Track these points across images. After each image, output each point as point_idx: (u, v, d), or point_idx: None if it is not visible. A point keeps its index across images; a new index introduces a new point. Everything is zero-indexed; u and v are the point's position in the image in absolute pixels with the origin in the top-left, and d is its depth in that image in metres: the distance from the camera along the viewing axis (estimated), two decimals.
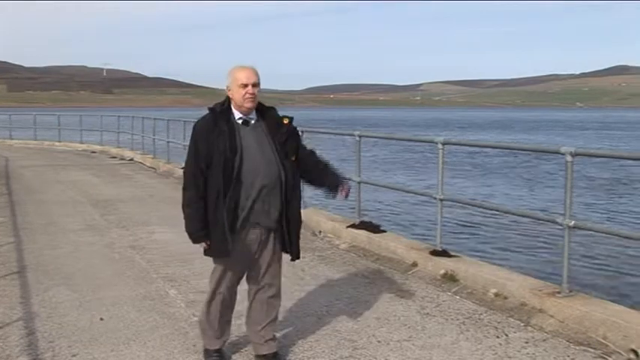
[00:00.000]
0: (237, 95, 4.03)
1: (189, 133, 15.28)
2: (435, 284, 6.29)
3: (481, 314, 5.44)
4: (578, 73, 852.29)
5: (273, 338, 4.39)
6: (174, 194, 13.07)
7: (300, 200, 4.26)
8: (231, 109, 4.09)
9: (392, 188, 11.12)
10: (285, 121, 4.17)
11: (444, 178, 7.14)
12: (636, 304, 7.60)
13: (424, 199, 13.75)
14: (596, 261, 10.79)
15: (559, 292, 5.36)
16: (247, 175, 3.96)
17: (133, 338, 4.86)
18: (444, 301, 5.81)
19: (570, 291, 5.36)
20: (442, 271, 6.45)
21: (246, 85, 4.00)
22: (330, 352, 4.58)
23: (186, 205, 4.09)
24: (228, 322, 4.38)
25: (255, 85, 4.04)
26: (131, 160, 20.80)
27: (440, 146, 6.95)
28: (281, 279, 4.38)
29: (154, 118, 20.41)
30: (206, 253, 4.14)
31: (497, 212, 12.39)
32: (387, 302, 5.77)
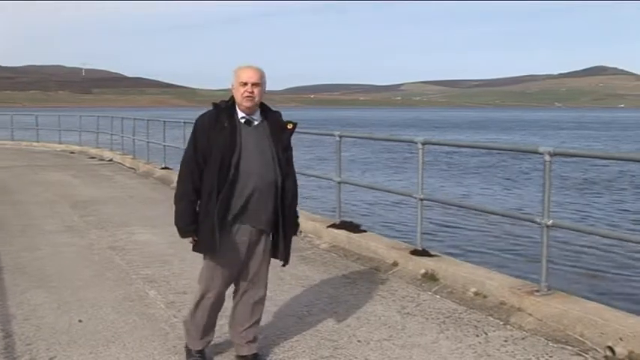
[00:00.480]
0: (238, 93, 4.04)
1: (169, 133, 15.21)
2: (416, 284, 6.31)
3: (461, 313, 5.47)
4: (556, 73, 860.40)
5: (255, 340, 4.38)
6: (153, 195, 13.03)
7: (295, 206, 4.25)
8: (235, 107, 4.10)
9: (372, 188, 11.16)
10: (289, 126, 4.19)
11: (424, 177, 7.17)
12: (613, 302, 7.70)
13: (404, 199, 13.81)
14: (575, 259, 10.89)
15: (537, 291, 5.41)
16: (243, 175, 3.96)
17: (113, 340, 4.83)
18: (424, 300, 5.84)
19: (549, 289, 5.41)
20: (422, 271, 6.48)
21: (245, 84, 4.00)
22: (311, 352, 4.58)
23: (179, 198, 4.07)
24: (214, 324, 4.36)
25: (256, 84, 4.02)
26: (110, 160, 20.65)
27: (420, 146, 6.99)
28: (267, 282, 4.37)
29: (134, 119, 20.28)
30: (194, 248, 4.14)
31: (476, 212, 12.48)
32: (367, 302, 5.78)
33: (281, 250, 4.21)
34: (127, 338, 4.86)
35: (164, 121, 16.91)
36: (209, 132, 3.98)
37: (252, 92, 4.02)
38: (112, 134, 23.04)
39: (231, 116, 4.05)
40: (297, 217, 4.35)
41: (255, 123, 4.11)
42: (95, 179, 15.87)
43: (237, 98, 4.06)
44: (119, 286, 6.31)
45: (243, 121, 4.08)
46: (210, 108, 4.14)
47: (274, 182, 4.06)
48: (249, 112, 4.09)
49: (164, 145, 16.76)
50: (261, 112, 4.16)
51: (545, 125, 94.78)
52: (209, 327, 4.32)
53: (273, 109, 4.27)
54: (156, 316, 5.39)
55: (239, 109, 4.09)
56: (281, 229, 4.16)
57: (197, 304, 4.23)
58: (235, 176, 3.94)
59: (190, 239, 4.09)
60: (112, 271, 6.91)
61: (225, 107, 4.08)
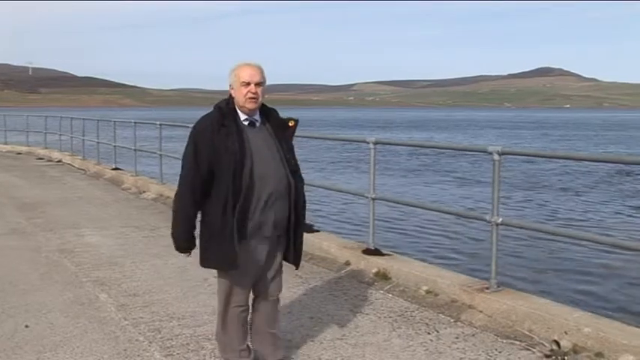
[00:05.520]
0: (239, 94, 3.77)
1: (119, 133, 14.99)
2: (368, 283, 6.36)
3: (413, 311, 5.53)
4: (505, 74, 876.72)
5: (280, 347, 4.20)
6: (104, 196, 12.81)
7: (305, 207, 4.03)
8: (235, 109, 3.83)
9: (324, 188, 11.17)
10: (291, 124, 3.96)
11: (376, 177, 7.22)
12: (560, 297, 7.89)
13: (356, 199, 13.87)
14: (524, 256, 11.11)
15: (488, 288, 5.50)
16: (258, 181, 3.70)
17: (61, 344, 4.73)
18: (376, 299, 5.88)
19: (498, 286, 5.51)
20: (375, 270, 6.53)
21: (248, 84, 3.74)
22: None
23: (179, 211, 3.81)
24: (246, 331, 4.08)
25: (259, 84, 3.78)
26: (59, 161, 20.21)
27: (371, 146, 7.03)
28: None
29: (83, 119, 19.91)
30: (207, 264, 3.86)
31: (428, 210, 12.62)
32: (320, 301, 5.80)
33: (292, 253, 3.99)
34: (75, 343, 4.77)
35: (114, 122, 16.64)
36: (213, 137, 3.66)
37: (256, 93, 3.75)
38: (60, 135, 22.56)
39: (235, 119, 3.77)
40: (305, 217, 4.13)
41: (258, 124, 3.87)
42: (43, 180, 15.52)
43: (239, 100, 3.77)
44: (68, 289, 6.19)
45: (246, 123, 3.82)
46: (209, 110, 3.86)
47: (288, 184, 3.83)
48: (252, 113, 3.84)
49: (114, 146, 16.50)
50: (260, 112, 3.91)
51: (493, 125, 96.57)
52: (243, 336, 4.05)
53: (276, 109, 4.02)
54: (106, 320, 5.30)
55: (240, 110, 3.82)
56: (292, 232, 3.93)
57: (224, 317, 3.97)
58: (251, 183, 3.67)
59: (186, 254, 3.92)
60: (60, 274, 6.77)
61: (228, 110, 3.79)
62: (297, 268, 4.11)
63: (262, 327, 4.11)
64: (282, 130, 3.93)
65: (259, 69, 3.83)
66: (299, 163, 4.04)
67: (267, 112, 3.95)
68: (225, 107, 3.81)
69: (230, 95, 3.86)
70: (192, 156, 3.72)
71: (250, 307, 4.09)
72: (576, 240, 10.03)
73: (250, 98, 3.75)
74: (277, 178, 3.79)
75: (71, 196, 12.81)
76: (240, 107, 3.81)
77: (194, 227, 3.82)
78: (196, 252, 3.92)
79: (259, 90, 3.78)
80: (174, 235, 3.88)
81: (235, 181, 3.63)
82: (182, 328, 5.10)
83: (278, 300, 4.16)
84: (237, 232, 3.67)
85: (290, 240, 3.96)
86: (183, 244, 3.87)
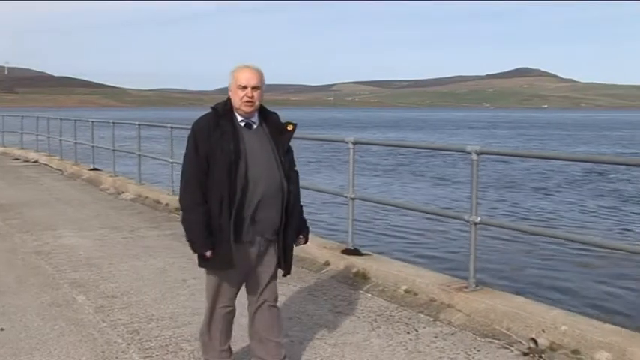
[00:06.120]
0: (236, 97, 3.77)
1: (97, 133, 14.80)
2: (347, 282, 6.37)
3: (392, 311, 5.55)
4: (484, 74, 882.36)
5: (284, 357, 4.11)
6: (82, 197, 12.70)
7: (300, 213, 4.02)
8: (232, 110, 3.82)
9: (303, 188, 11.16)
10: (289, 128, 3.93)
11: (355, 177, 7.24)
12: (537, 295, 7.96)
13: (335, 199, 13.88)
14: (502, 255, 11.20)
15: (466, 287, 5.54)
16: (250, 182, 3.70)
17: (37, 347, 4.68)
18: (356, 299, 5.90)
19: (477, 285, 5.55)
20: (354, 270, 6.54)
21: (244, 87, 3.73)
22: (243, 353, 4.55)
23: (188, 210, 3.75)
24: (229, 333, 4.08)
25: (256, 87, 3.76)
26: (36, 162, 19.99)
27: (351, 146, 7.05)
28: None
29: (61, 119, 19.72)
30: (202, 264, 3.82)
31: (407, 210, 12.66)
32: (299, 301, 5.80)
33: (282, 259, 3.96)
34: (52, 345, 4.73)
35: (92, 122, 16.50)
36: (210, 137, 3.69)
37: (252, 97, 3.74)
38: (37, 135, 22.32)
39: (231, 119, 3.78)
40: (306, 221, 4.12)
41: (255, 126, 3.86)
42: (20, 181, 15.35)
43: (236, 102, 3.78)
44: (45, 291, 6.13)
45: (242, 124, 3.81)
46: (206, 111, 3.83)
47: (281, 187, 3.82)
48: (248, 115, 3.83)
49: (93, 146, 16.36)
50: (258, 114, 3.89)
51: (472, 125, 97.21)
52: (226, 337, 4.05)
53: (277, 113, 4.01)
54: (84, 322, 5.26)
55: (237, 112, 3.81)
56: (282, 236, 3.91)
57: (210, 318, 3.96)
58: (244, 184, 3.68)
59: (209, 253, 3.73)
60: (37, 276, 6.70)
61: (223, 110, 3.79)
62: (285, 275, 4.07)
63: (263, 334, 4.04)
64: (279, 134, 3.91)
65: (258, 72, 3.82)
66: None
67: (265, 115, 3.94)
68: (222, 108, 3.81)
69: (228, 97, 3.86)
70: (194, 153, 3.73)
71: (249, 315, 4.06)
72: (553, 238, 10.13)
73: (246, 102, 3.75)
74: (270, 180, 3.78)
75: (48, 197, 12.69)
76: (237, 109, 3.81)
77: (209, 223, 3.69)
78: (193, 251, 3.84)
79: (256, 94, 3.77)
80: (190, 235, 3.76)
81: (230, 182, 3.64)
82: (161, 329, 5.08)
83: (277, 307, 4.10)
84: (233, 230, 3.67)
85: (280, 245, 3.93)
86: (204, 241, 3.71)
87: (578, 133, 71.18)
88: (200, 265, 3.85)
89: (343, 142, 7.32)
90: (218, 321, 3.97)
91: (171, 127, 12.04)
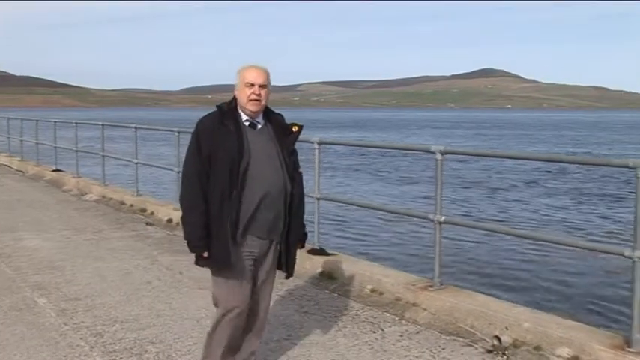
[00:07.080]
0: (242, 95, 3.75)
1: (60, 133, 14.55)
2: (313, 282, 6.37)
3: (358, 310, 5.57)
4: (449, 74, 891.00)
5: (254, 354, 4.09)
6: (44, 198, 12.49)
7: (302, 214, 3.98)
8: (237, 109, 3.80)
9: None
10: (295, 129, 3.90)
11: (320, 177, 7.25)
12: (501, 294, 8.08)
13: None
14: (466, 254, 11.34)
15: (431, 286, 5.59)
16: (252, 181, 3.67)
17: None
18: (322, 299, 5.91)
19: (442, 284, 5.60)
20: (320, 270, 6.55)
21: (252, 85, 3.72)
22: None
23: (187, 211, 3.73)
24: (238, 346, 3.97)
25: (263, 86, 3.75)
26: None
27: (316, 146, 7.06)
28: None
29: (22, 119, 19.38)
30: (202, 263, 3.77)
31: (373, 210, 12.73)
32: None
33: (284, 262, 3.95)
34: (12, 350, 4.63)
35: (55, 122, 16.24)
36: (213, 135, 3.67)
37: (260, 95, 3.74)
38: None
39: (236, 119, 3.76)
40: (304, 226, 4.07)
41: (259, 126, 3.83)
42: None
43: (242, 100, 3.76)
44: (4, 294, 6.01)
45: (247, 124, 3.79)
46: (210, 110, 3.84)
47: (284, 188, 3.79)
48: (254, 115, 3.80)
49: (55, 147, 16.10)
50: (263, 114, 3.87)
51: (435, 125, 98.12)
52: (231, 349, 3.93)
53: (282, 114, 3.97)
54: (46, 325, 5.17)
55: (242, 111, 3.79)
56: (284, 239, 3.89)
57: (216, 325, 3.85)
58: (244, 183, 3.65)
59: (205, 254, 3.71)
60: None
61: (228, 109, 3.78)
62: (287, 277, 4.05)
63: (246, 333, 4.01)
64: (284, 135, 3.88)
65: (265, 71, 3.82)
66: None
67: (270, 116, 3.92)
68: (227, 107, 3.80)
69: (234, 96, 3.85)
70: (196, 153, 3.70)
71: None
72: (515, 237, 10.27)
73: (253, 100, 3.74)
74: (272, 181, 3.75)
75: (9, 198, 12.45)
76: (243, 108, 3.79)
77: (207, 224, 3.67)
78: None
79: (263, 92, 3.76)
80: (187, 235, 3.74)
81: (232, 181, 3.63)
82: (125, 331, 5.02)
83: (266, 310, 4.09)
84: (232, 231, 3.64)
85: (283, 248, 3.92)
86: (199, 243, 3.69)
87: (537, 133, 72.46)
88: (196, 263, 3.83)
89: (309, 142, 7.32)
90: (226, 326, 3.84)
91: (136, 128, 11.92)
